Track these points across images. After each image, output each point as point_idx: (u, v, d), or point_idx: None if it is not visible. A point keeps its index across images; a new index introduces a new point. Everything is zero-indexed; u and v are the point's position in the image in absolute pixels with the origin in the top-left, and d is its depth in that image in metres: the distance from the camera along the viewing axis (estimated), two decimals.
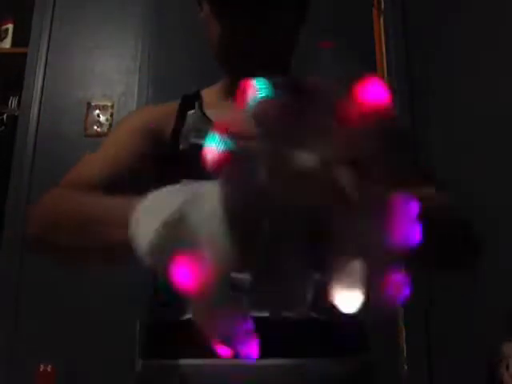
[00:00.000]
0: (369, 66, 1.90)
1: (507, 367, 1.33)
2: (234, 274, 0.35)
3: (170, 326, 0.68)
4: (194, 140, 0.74)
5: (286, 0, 0.76)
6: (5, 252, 1.86)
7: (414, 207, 0.34)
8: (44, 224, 0.60)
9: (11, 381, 1.73)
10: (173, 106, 0.82)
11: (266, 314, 0.41)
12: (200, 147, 0.34)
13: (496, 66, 1.77)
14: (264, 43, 0.74)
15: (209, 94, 0.85)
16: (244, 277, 0.35)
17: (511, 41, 1.74)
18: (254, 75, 0.35)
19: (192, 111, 0.80)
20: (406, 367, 1.66)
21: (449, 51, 1.88)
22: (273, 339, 0.53)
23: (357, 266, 0.34)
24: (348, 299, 0.34)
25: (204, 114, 0.79)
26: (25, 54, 2.05)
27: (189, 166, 0.49)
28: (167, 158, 0.75)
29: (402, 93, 1.85)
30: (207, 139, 0.33)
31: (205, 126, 0.74)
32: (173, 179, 0.47)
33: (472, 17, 1.86)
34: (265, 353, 0.41)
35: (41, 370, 1.71)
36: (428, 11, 1.95)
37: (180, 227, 0.36)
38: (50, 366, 1.72)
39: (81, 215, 0.56)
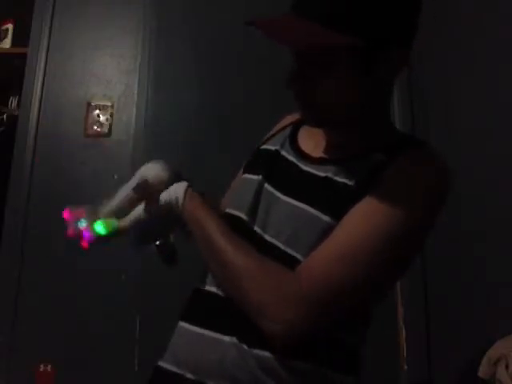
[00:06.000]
0: None
1: (506, 367, 1.33)
2: None
3: None
4: None
5: None
6: (5, 252, 1.86)
7: None
8: None
9: (11, 381, 1.73)
10: None
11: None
12: None
13: (496, 66, 1.77)
14: None
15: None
16: None
17: (510, 40, 1.74)
18: None
19: None
20: (405, 367, 1.66)
21: (449, 52, 1.88)
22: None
23: None
24: None
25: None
26: (25, 54, 2.04)
27: None
28: None
29: (402, 92, 1.85)
30: None
31: None
32: None
33: (472, 16, 1.86)
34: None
35: (41, 369, 1.71)
36: (428, 12, 1.95)
37: None
38: (49, 366, 1.72)
39: None
